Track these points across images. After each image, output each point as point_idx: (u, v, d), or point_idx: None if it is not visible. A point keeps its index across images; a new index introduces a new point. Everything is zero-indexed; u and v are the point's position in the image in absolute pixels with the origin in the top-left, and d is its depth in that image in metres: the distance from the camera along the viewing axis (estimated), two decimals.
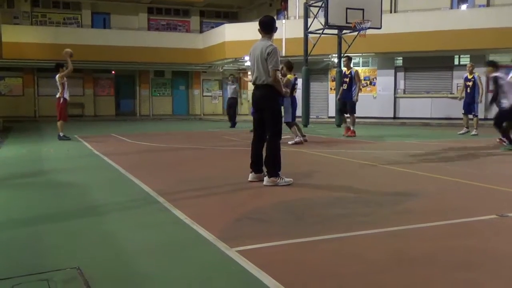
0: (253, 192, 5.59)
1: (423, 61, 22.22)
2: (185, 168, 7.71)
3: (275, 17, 27.56)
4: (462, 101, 13.89)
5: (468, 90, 13.49)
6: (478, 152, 9.47)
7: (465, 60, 21.92)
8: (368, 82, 23.27)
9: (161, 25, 29.96)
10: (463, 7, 23.11)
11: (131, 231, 3.97)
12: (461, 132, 13.58)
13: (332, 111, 22.80)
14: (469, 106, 13.53)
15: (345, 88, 12.94)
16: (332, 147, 10.53)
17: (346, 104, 13.02)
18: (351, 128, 13.01)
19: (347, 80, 12.89)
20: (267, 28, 5.93)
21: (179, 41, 27.86)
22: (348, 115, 13.21)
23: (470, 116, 13.68)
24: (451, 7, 23.25)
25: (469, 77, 13.63)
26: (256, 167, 6.06)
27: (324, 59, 22.94)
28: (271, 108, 5.91)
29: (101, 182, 6.35)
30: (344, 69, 13.45)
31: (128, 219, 4.39)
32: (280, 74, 5.98)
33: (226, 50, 24.69)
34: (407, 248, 3.45)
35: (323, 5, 17.17)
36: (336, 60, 19.41)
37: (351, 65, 13.08)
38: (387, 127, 13.36)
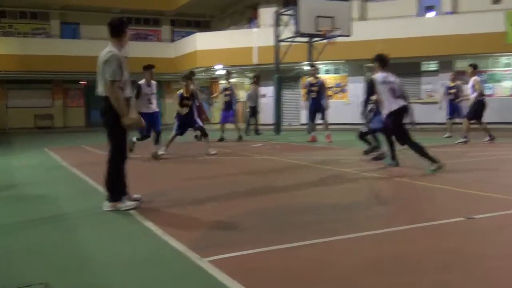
0: (223, 201, 5.57)
1: (392, 68, 22.19)
2: (156, 178, 7.64)
3: (245, 26, 27.84)
4: (444, 107, 14.31)
5: (452, 98, 13.92)
6: (447, 155, 9.63)
7: (433, 66, 22.36)
8: (339, 89, 23.50)
9: (132, 35, 29.65)
10: (430, 14, 23.58)
11: (102, 244, 3.91)
12: (445, 136, 13.91)
13: (304, 119, 22.94)
14: (455, 112, 13.93)
15: (315, 96, 13.12)
16: (304, 154, 10.58)
17: (317, 112, 13.20)
18: (326, 134, 13.16)
19: (315, 89, 13.09)
20: (114, 31, 5.17)
21: (150, 50, 27.63)
22: (321, 121, 13.39)
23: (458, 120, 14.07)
24: (418, 15, 23.71)
25: (452, 85, 14.05)
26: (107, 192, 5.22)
27: (296, 67, 23.07)
28: (108, 124, 5.05)
29: (70, 195, 6.25)
30: (310, 78, 13.63)
31: (98, 232, 4.32)
32: (116, 87, 4.90)
33: (198, 59, 24.65)
34: (380, 253, 3.48)
35: (293, 14, 17.30)
36: (307, 68, 19.54)
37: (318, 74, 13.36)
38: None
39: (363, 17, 24.28)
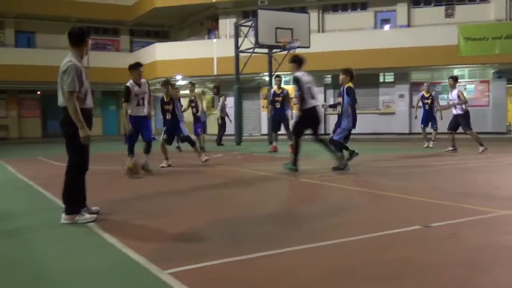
0: (184, 213, 5.53)
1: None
2: (115, 189, 7.52)
3: (205, 36, 27.85)
4: (420, 116, 14.80)
5: (427, 107, 14.53)
6: (406, 164, 9.85)
7: (390, 77, 22.89)
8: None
9: (90, 44, 29.27)
10: (386, 27, 24.20)
11: (59, 258, 3.82)
12: (424, 146, 14.36)
13: (264, 129, 23.05)
14: (429, 121, 14.51)
15: (279, 107, 13.20)
16: (264, 164, 10.63)
17: (281, 123, 13.28)
18: (289, 144, 13.24)
19: (279, 99, 13.19)
20: (74, 40, 5.09)
21: (108, 60, 27.28)
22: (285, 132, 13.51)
23: (429, 130, 14.62)
24: (375, 27, 24.29)
25: (426, 95, 14.65)
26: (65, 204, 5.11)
27: (256, 78, 23.21)
28: (67, 135, 4.94)
29: (26, 208, 6.07)
30: (274, 87, 13.75)
31: (55, 246, 4.22)
32: (73, 97, 4.77)
33: (158, 69, 24.48)
34: (336, 263, 3.52)
35: (253, 25, 17.43)
36: (267, 79, 19.68)
37: (282, 84, 13.46)
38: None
39: (321, 29, 24.69)
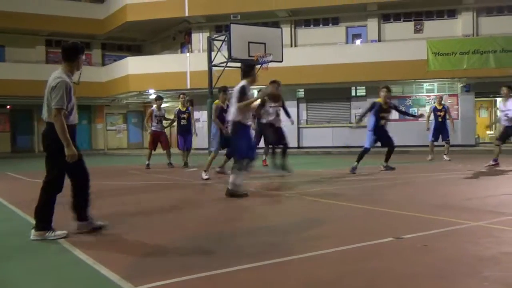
0: (156, 228, 5.47)
1: (323, 93, 23.17)
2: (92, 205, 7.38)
3: (178, 50, 27.82)
4: (432, 128, 14.67)
5: (440, 119, 14.44)
6: (379, 177, 9.95)
7: (362, 91, 23.19)
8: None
9: (61, 58, 28.89)
10: (357, 42, 24.59)
11: (27, 276, 3.72)
12: (429, 158, 14.36)
13: None
14: (441, 133, 14.42)
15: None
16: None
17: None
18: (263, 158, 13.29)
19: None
20: (66, 55, 5.04)
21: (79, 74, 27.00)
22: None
23: (436, 143, 14.64)
24: (347, 42, 24.65)
25: (439, 107, 14.60)
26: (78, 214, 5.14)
27: (229, 91, 23.22)
28: (49, 150, 4.93)
29: None
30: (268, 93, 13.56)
31: (23, 263, 4.11)
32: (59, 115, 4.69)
33: (130, 83, 24.34)
34: (315, 274, 3.53)
35: (226, 39, 17.49)
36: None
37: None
38: (292, 156, 13.75)
39: (294, 44, 24.93)
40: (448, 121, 14.58)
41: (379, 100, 11.30)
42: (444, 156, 14.36)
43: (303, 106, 23.91)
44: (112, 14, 27.70)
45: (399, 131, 21.58)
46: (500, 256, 3.88)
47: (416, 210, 6.02)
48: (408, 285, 3.30)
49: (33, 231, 4.86)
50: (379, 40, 23.95)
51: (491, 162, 11.40)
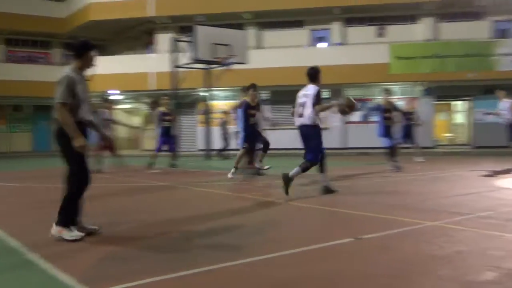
0: (113, 230, 5.41)
1: (288, 94, 23.19)
2: (43, 207, 7.24)
3: (142, 51, 27.52)
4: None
5: (409, 122, 14.63)
6: (338, 178, 10.07)
7: (325, 94, 23.41)
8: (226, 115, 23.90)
9: (21, 57, 28.29)
10: (322, 45, 24.88)
11: None
12: (419, 160, 14.61)
13: (200, 144, 22.99)
14: (409, 136, 14.67)
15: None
16: (200, 179, 10.58)
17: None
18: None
19: (254, 112, 13.00)
20: (74, 52, 5.06)
21: (40, 73, 26.39)
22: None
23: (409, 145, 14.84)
24: (311, 45, 24.91)
25: (410, 110, 14.81)
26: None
27: (193, 93, 23.16)
28: (60, 146, 4.93)
29: None
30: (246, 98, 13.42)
31: None
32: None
33: (93, 83, 23.91)
34: (273, 276, 3.55)
35: (190, 40, 17.43)
36: (204, 94, 19.69)
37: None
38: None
39: (259, 46, 25.03)
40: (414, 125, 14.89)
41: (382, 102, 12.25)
42: (415, 158, 14.64)
43: (267, 108, 23.97)
44: (75, 13, 27.24)
45: (362, 133, 21.91)
46: (454, 255, 3.99)
47: (375, 211, 6.13)
48: (366, 284, 3.36)
49: (54, 225, 4.85)
50: (343, 44, 24.30)
51: None
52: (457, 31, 23.34)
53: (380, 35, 24.30)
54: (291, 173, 7.36)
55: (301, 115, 7.78)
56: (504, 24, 23.75)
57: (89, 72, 5.13)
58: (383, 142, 11.91)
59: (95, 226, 5.11)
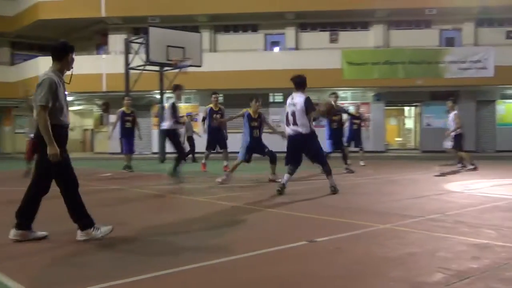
0: (70, 234, 5.26)
1: (243, 98, 23.29)
2: (7, 210, 6.98)
3: (94, 52, 26.97)
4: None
5: (355, 127, 14.82)
6: (295, 182, 10.15)
7: (279, 98, 23.62)
8: (190, 118, 23.73)
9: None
10: (276, 49, 25.08)
11: None
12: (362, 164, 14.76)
13: (155, 147, 22.72)
14: (355, 140, 14.82)
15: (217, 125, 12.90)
16: (155, 183, 10.46)
17: (219, 141, 13.13)
18: (203, 162, 13.41)
19: (218, 116, 12.90)
20: (54, 54, 4.97)
21: None
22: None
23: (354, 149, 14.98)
24: (265, 49, 25.07)
25: (356, 115, 15.01)
26: (76, 219, 4.89)
27: (146, 95, 22.88)
28: (41, 151, 4.71)
29: None
30: (212, 105, 13.34)
31: None
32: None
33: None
34: (231, 278, 3.54)
35: (144, 42, 17.21)
36: (158, 96, 19.48)
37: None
38: (213, 162, 13.75)
39: (213, 49, 24.99)
40: (362, 129, 15.18)
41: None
42: (360, 162, 14.93)
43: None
44: (23, 11, 26.42)
45: None
46: (405, 257, 4.09)
47: (329, 214, 6.21)
48: (320, 286, 3.39)
49: (12, 230, 4.71)
50: (297, 48, 24.58)
51: (470, 166, 12.92)
52: (406, 38, 24.03)
53: (333, 41, 24.71)
54: (331, 184, 8.09)
55: (295, 124, 7.91)
56: (451, 33, 24.60)
57: (67, 74, 5.04)
58: (327, 145, 12.23)
59: (45, 232, 4.96)
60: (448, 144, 13.39)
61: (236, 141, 12.06)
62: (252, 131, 10.49)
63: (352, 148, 14.80)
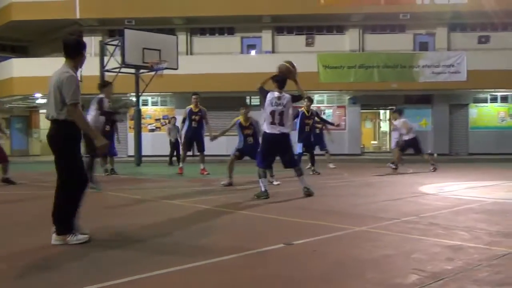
0: (43, 238, 5.18)
1: (219, 101, 23.33)
2: None
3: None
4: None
5: (317, 131, 14.66)
6: (270, 186, 10.18)
7: (256, 101, 23.65)
8: (167, 121, 23.61)
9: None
10: (252, 52, 25.13)
11: None
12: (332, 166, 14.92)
13: (131, 150, 22.51)
14: (318, 143, 14.68)
15: (196, 126, 12.80)
16: (130, 187, 10.37)
17: (194, 143, 13.08)
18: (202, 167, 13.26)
19: (197, 118, 12.78)
20: (69, 51, 4.93)
21: None
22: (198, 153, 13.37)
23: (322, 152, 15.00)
24: (242, 52, 25.09)
25: (317, 119, 14.65)
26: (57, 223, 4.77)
27: (123, 98, 22.66)
28: (58, 150, 4.73)
29: None
30: (192, 106, 13.11)
31: None
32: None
33: (14, 86, 22.92)
34: (209, 281, 3.54)
35: (119, 44, 17.07)
36: (134, 99, 19.32)
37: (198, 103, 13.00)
38: (187, 164, 13.69)
39: (190, 52, 24.91)
40: (324, 131, 15.12)
41: (302, 108, 12.87)
42: (330, 164, 15.01)
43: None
44: None
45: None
46: (381, 259, 4.13)
47: (305, 216, 6.24)
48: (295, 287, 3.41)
49: (54, 235, 4.69)
50: (273, 51, 24.66)
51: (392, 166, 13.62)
52: (380, 42, 24.34)
53: (309, 44, 24.87)
54: (304, 185, 8.19)
55: (281, 124, 8.01)
56: (424, 37, 25.00)
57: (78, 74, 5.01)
58: (298, 148, 12.33)
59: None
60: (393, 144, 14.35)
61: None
62: (245, 139, 10.51)
63: (317, 151, 14.87)
